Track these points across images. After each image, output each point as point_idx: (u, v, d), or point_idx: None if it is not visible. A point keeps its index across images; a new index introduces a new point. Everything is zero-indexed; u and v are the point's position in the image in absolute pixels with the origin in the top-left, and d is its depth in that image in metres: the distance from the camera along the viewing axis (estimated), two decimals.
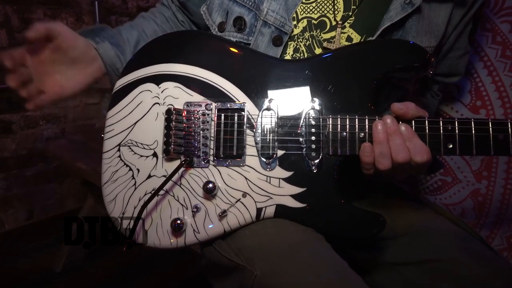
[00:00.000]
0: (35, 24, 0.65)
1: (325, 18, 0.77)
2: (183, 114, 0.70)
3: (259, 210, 0.67)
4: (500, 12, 1.03)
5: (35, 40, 0.66)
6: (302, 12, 0.77)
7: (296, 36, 0.77)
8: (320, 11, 0.76)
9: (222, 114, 0.70)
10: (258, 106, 0.70)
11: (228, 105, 0.70)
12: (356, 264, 0.67)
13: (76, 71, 0.74)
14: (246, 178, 0.68)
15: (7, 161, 1.89)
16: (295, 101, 0.70)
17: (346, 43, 0.76)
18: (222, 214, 0.67)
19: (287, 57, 0.78)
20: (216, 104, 0.70)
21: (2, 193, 1.90)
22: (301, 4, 0.76)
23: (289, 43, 0.77)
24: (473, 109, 1.11)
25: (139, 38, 0.84)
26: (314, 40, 0.77)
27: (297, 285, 0.57)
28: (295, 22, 0.77)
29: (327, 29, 0.77)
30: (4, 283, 1.69)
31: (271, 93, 0.70)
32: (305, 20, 0.77)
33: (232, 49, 0.74)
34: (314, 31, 0.77)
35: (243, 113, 0.70)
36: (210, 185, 0.67)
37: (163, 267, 1.77)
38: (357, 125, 0.67)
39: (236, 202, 0.68)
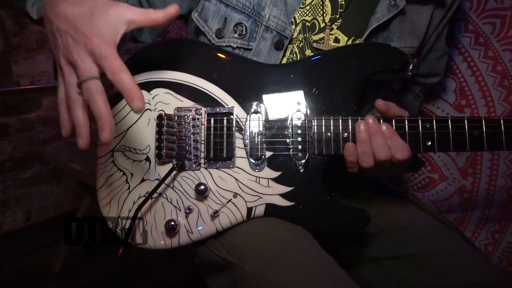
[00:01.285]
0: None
1: (315, 21, 0.80)
2: (174, 119, 0.73)
3: (249, 210, 0.70)
4: (482, 14, 1.06)
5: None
6: (300, 16, 0.80)
7: (294, 39, 0.80)
8: (312, 14, 0.79)
9: (212, 118, 0.73)
10: (246, 109, 0.73)
11: (217, 110, 0.73)
12: (342, 259, 0.70)
13: None
14: (236, 179, 0.71)
15: (4, 164, 1.91)
16: (281, 104, 0.72)
17: (334, 44, 0.79)
18: (214, 215, 0.70)
19: (284, 59, 0.80)
20: (205, 109, 0.73)
21: (0, 195, 1.92)
22: (298, 9, 0.79)
23: (288, 46, 0.80)
24: (458, 108, 1.15)
25: None
26: (306, 42, 0.80)
27: (285, 281, 0.60)
28: (293, 26, 0.79)
29: (316, 30, 0.80)
30: (3, 284, 1.71)
31: (258, 97, 0.73)
32: (301, 23, 0.80)
33: (220, 55, 0.76)
34: (307, 33, 0.80)
35: (232, 116, 0.72)
36: (202, 187, 0.70)
37: (159, 265, 1.80)
38: (340, 126, 0.70)
39: (227, 202, 0.71)
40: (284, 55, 0.80)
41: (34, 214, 2.06)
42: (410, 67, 0.83)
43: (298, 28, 0.80)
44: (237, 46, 0.80)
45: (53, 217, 2.10)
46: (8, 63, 1.84)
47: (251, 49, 0.79)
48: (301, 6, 0.79)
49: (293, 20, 0.79)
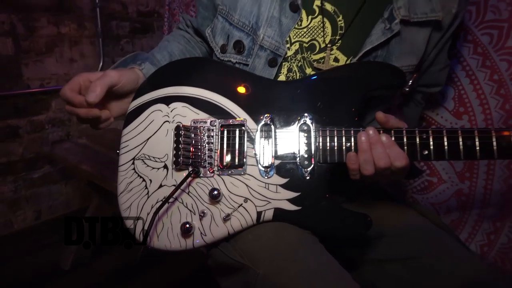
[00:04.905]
0: (91, 89, 0.75)
1: (315, 42, 0.84)
2: (191, 130, 0.78)
3: (259, 214, 0.75)
4: (480, 25, 1.11)
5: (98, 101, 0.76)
6: (295, 36, 0.84)
7: (289, 58, 0.85)
8: (311, 36, 0.84)
9: (225, 129, 0.78)
10: (257, 121, 0.78)
11: (230, 121, 0.78)
12: (346, 261, 0.75)
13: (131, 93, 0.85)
14: (247, 185, 0.76)
15: (15, 165, 1.97)
16: (289, 117, 0.78)
17: (334, 63, 0.84)
18: (226, 218, 0.75)
19: (282, 76, 0.85)
20: (219, 121, 0.78)
21: (11, 195, 1.98)
22: (294, 29, 0.84)
23: (283, 63, 0.85)
24: (456, 114, 1.19)
25: (171, 58, 0.94)
26: (305, 61, 0.85)
27: (296, 283, 0.65)
28: (288, 45, 0.84)
29: (316, 51, 0.84)
30: (14, 280, 1.76)
31: (268, 110, 0.78)
32: (297, 43, 0.84)
33: (233, 72, 0.82)
34: (305, 53, 0.85)
35: (243, 128, 0.77)
36: (215, 192, 0.75)
37: (168, 263, 1.85)
38: (344, 136, 0.75)
39: (238, 206, 0.76)
40: (280, 72, 0.85)
41: (44, 212, 2.12)
42: (410, 83, 0.88)
43: (293, 47, 0.85)
44: (236, 62, 0.86)
45: (62, 215, 2.16)
46: (19, 66, 1.89)
47: (248, 65, 0.86)
48: (297, 27, 0.84)
49: (288, 39, 0.84)
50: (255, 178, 0.76)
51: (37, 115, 2.02)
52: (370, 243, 0.84)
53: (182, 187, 0.76)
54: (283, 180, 0.76)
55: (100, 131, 0.88)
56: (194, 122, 0.79)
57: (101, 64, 2.17)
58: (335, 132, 0.75)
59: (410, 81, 0.90)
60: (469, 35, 1.13)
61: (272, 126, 0.77)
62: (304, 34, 0.84)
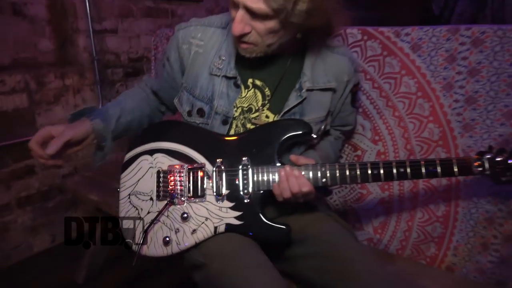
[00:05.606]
0: (51, 145, 1.03)
1: (251, 106, 1.22)
2: (168, 173, 1.15)
3: (215, 228, 1.11)
4: (382, 76, 1.50)
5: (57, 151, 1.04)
6: (239, 103, 1.21)
7: (236, 118, 1.21)
8: (248, 102, 1.22)
9: (191, 171, 1.15)
10: (213, 164, 1.14)
11: (195, 165, 1.15)
12: (279, 258, 1.11)
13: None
14: (207, 209, 1.12)
15: (33, 197, 2.32)
16: (234, 160, 1.14)
17: (266, 119, 1.21)
18: (193, 232, 1.11)
19: (232, 131, 1.22)
20: (187, 165, 1.15)
21: (30, 223, 2.33)
22: (237, 99, 1.21)
23: (233, 122, 1.21)
24: (374, 141, 1.57)
25: (121, 113, 1.22)
26: (246, 120, 1.22)
27: (238, 274, 0.97)
28: (235, 109, 1.21)
29: (253, 112, 1.22)
30: None
31: (220, 156, 1.14)
32: (240, 108, 1.21)
33: (197, 130, 1.20)
34: (246, 114, 1.22)
35: (203, 169, 1.14)
36: (185, 215, 1.11)
37: (170, 273, 2.14)
38: (270, 172, 1.11)
39: (201, 224, 1.12)
40: (231, 128, 1.22)
41: (58, 236, 2.46)
42: (322, 128, 1.25)
43: (239, 110, 1.21)
44: (199, 122, 1.23)
45: None
46: (33, 116, 2.25)
47: (208, 124, 1.22)
48: (239, 97, 1.20)
49: (235, 105, 1.21)
50: (212, 204, 1.12)
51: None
52: (298, 244, 1.17)
53: (163, 212, 1.12)
54: (231, 204, 1.12)
55: (103, 164, 1.22)
56: (170, 167, 1.15)
57: (100, 107, 2.55)
58: (265, 169, 1.12)
59: (323, 127, 1.27)
60: (375, 83, 1.52)
61: (223, 167, 1.14)
62: (244, 101, 1.22)
